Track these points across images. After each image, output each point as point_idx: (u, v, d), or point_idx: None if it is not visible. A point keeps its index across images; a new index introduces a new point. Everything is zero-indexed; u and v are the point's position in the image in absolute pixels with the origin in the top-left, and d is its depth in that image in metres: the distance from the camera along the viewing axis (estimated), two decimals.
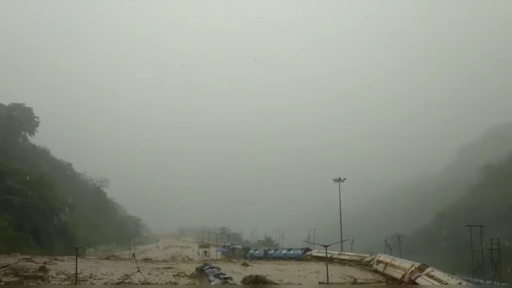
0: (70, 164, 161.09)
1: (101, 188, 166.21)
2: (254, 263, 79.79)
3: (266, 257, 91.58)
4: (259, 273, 58.00)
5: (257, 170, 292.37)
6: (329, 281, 39.66)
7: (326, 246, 42.21)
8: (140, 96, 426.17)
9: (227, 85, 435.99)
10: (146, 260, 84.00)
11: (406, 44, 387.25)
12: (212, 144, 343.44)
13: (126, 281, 50.28)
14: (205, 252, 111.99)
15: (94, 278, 51.90)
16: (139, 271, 56.94)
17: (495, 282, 51.82)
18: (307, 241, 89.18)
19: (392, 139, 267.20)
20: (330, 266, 44.89)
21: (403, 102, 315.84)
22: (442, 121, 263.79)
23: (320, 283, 46.81)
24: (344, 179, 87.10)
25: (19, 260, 63.91)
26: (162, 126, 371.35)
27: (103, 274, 56.04)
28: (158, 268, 66.77)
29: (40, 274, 52.40)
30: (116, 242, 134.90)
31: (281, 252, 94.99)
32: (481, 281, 54.08)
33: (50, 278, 50.39)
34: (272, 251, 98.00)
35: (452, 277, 43.63)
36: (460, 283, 39.78)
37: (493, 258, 54.81)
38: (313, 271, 59.52)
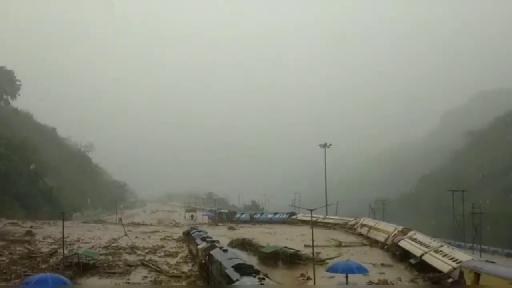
0: (54, 129, 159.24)
1: (86, 153, 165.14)
2: (241, 227, 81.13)
3: (252, 221, 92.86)
4: (245, 236, 58.89)
5: (247, 140, 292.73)
6: (314, 244, 40.41)
7: (311, 210, 42.73)
8: (130, 70, 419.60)
9: (215, 55, 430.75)
10: (133, 224, 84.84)
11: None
12: (201, 118, 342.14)
13: (113, 244, 50.54)
14: (192, 216, 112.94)
15: (82, 242, 52.14)
16: (126, 235, 57.37)
17: (475, 245, 53.32)
18: (292, 205, 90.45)
19: (378, 107, 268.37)
20: (315, 229, 45.65)
21: (390, 71, 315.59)
22: (426, 87, 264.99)
23: (305, 245, 47.77)
24: (330, 144, 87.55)
25: (5, 225, 63.89)
26: (151, 103, 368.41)
27: (90, 238, 56.34)
28: (145, 232, 67.33)
29: (27, 238, 52.46)
30: (103, 207, 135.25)
31: (266, 216, 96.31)
32: (462, 243, 55.58)
33: (37, 242, 50.42)
34: (258, 215, 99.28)
35: (434, 240, 44.77)
36: (442, 246, 40.89)
37: (474, 222, 56.16)
38: (299, 234, 60.67)
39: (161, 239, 60.31)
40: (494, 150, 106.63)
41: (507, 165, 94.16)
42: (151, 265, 41.72)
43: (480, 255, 45.12)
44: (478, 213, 56.89)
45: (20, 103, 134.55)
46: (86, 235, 58.90)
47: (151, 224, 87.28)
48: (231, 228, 76.02)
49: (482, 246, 54.18)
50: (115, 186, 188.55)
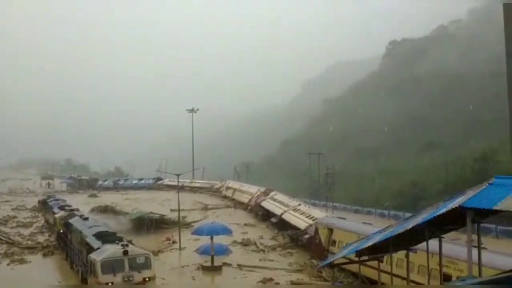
0: None
1: None
2: (104, 193, 78.06)
3: (116, 187, 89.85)
4: (108, 203, 56.76)
5: (113, 106, 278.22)
6: (181, 208, 40.47)
7: (178, 175, 42.56)
8: None
9: None
10: None
11: None
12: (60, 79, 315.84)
13: None
14: (49, 184, 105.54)
15: None
16: None
17: (328, 203, 58.00)
18: (159, 171, 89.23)
19: (241, 73, 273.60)
20: (182, 194, 45.71)
21: (255, 38, 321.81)
22: (288, 56, 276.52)
23: (171, 209, 47.61)
24: (197, 109, 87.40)
25: None
26: None
27: None
28: None
29: None
30: None
31: (131, 182, 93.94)
32: (317, 202, 60.04)
33: None
34: (122, 181, 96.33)
35: (294, 199, 47.75)
36: (300, 205, 43.77)
37: (328, 182, 61.03)
38: (165, 199, 60.33)
39: (12, 209, 55.62)
40: (347, 116, 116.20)
41: (358, 129, 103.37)
42: (1, 237, 38.45)
43: (333, 212, 49.23)
44: (331, 174, 61.79)
45: None
46: None
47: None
48: (92, 195, 72.87)
49: (334, 204, 59.19)
50: None
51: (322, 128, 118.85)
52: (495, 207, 12.27)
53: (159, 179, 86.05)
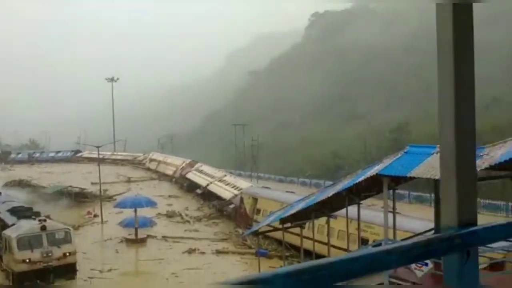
0: None
1: None
2: (18, 167, 73.75)
3: (31, 160, 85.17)
4: (23, 177, 53.79)
5: (23, 70, 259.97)
6: (102, 181, 39.25)
7: (98, 147, 41.11)
8: None
9: None
10: None
11: None
12: None
13: None
14: None
15: None
16: None
17: (253, 173, 58.86)
18: (78, 143, 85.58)
19: (164, 45, 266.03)
20: (103, 166, 44.25)
21: (178, 10, 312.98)
22: (211, 28, 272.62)
23: (92, 183, 46.01)
24: (118, 78, 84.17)
25: None
26: None
27: None
28: None
29: None
30: None
31: (48, 155, 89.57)
32: (242, 172, 60.72)
33: None
34: (37, 154, 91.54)
35: (219, 170, 47.96)
36: (225, 175, 44.05)
37: (253, 153, 61.82)
38: (85, 172, 58.08)
39: None
40: (272, 88, 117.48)
41: (283, 101, 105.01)
42: None
43: (258, 182, 50.06)
44: (256, 145, 62.58)
45: None
46: None
47: None
48: (4, 169, 68.69)
49: (259, 174, 60.18)
50: None
51: (247, 100, 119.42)
52: (408, 174, 13.04)
53: (78, 151, 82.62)
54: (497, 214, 32.00)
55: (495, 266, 15.09)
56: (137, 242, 29.27)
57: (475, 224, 1.20)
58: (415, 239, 1.11)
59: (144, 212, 31.14)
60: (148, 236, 30.07)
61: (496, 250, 13.72)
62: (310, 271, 0.99)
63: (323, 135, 78.92)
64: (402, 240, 13.97)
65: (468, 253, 1.18)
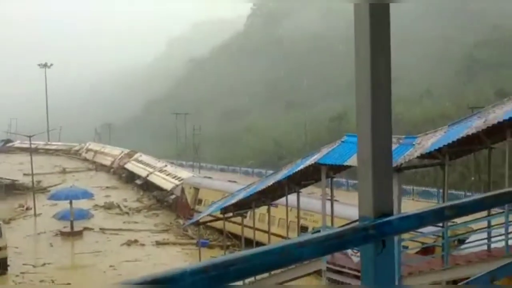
0: None
1: None
2: None
3: None
4: None
5: None
6: (35, 172, 37.57)
7: (30, 136, 39.33)
8: None
9: None
10: None
11: None
12: None
13: None
14: None
15: None
16: None
17: (195, 163, 58.42)
18: (8, 132, 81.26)
19: (101, 31, 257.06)
20: (36, 157, 42.36)
21: None
22: (151, 14, 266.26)
23: (24, 174, 43.94)
24: (51, 64, 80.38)
25: None
26: None
27: None
28: None
29: None
30: None
31: None
32: (184, 162, 60.12)
33: None
34: None
35: (160, 161, 47.20)
36: (166, 166, 43.43)
37: (194, 142, 61.29)
38: (17, 163, 55.28)
39: None
40: (214, 77, 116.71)
41: (225, 90, 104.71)
42: None
43: (199, 172, 49.76)
44: (198, 134, 62.12)
45: None
46: None
47: None
48: None
49: (201, 164, 59.87)
50: None
51: (188, 89, 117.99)
52: (345, 163, 13.41)
53: (9, 141, 78.44)
54: (431, 200, 33.59)
55: (426, 250, 15.93)
56: (73, 235, 28.33)
57: (390, 214, 1.22)
58: (329, 231, 1.11)
59: (81, 204, 30.17)
60: (85, 228, 29.18)
61: (427, 235, 14.48)
62: (220, 267, 0.94)
63: (265, 124, 79.59)
64: (315, 232, 14.28)
65: (384, 243, 1.19)
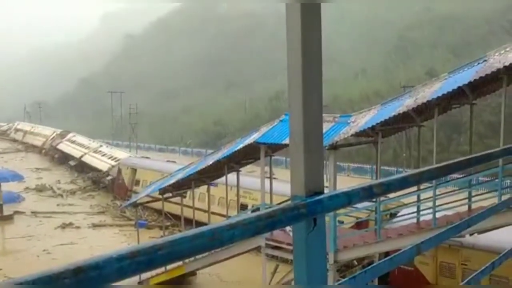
0: None
1: None
2: None
3: None
4: None
5: None
6: None
7: None
8: None
9: None
10: None
11: None
12: None
13: None
14: None
15: None
16: None
17: (132, 143, 57.05)
18: None
19: (31, 5, 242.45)
20: None
21: None
22: None
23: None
24: None
25: None
26: None
27: None
28: None
29: None
30: None
31: None
32: (120, 142, 58.59)
33: None
34: None
35: (94, 141, 45.71)
36: (101, 146, 42.12)
37: (131, 122, 59.68)
38: None
39: None
40: (151, 54, 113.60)
41: (162, 68, 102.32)
42: None
43: (137, 152, 48.71)
44: (134, 114, 60.55)
45: None
46: None
47: None
48: None
49: (139, 144, 58.57)
50: None
51: (124, 66, 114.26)
52: (283, 142, 13.60)
53: None
54: (365, 176, 34.92)
55: (360, 224, 16.60)
56: (3, 219, 27.03)
57: (321, 192, 1.24)
58: (260, 212, 1.11)
59: (10, 187, 28.77)
60: (16, 212, 27.90)
61: (360, 210, 15.07)
62: (148, 251, 0.90)
63: (204, 103, 78.96)
64: (254, 210, 14.68)
65: (315, 221, 1.21)
